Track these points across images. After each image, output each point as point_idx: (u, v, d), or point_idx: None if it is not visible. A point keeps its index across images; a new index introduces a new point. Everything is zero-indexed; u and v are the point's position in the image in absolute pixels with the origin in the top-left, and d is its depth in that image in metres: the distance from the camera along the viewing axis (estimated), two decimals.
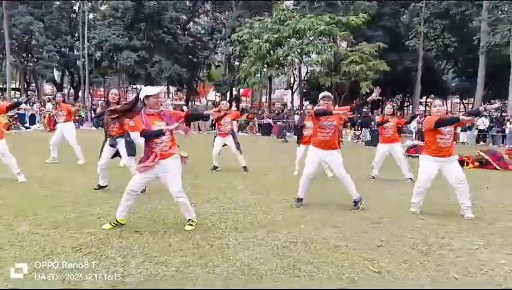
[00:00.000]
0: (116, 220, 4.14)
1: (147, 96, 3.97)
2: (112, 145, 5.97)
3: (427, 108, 44.98)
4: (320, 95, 5.40)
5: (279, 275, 3.13)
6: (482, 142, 19.78)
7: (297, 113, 22.01)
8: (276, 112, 25.86)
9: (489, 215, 5.23)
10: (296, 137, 8.90)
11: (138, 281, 2.96)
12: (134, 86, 34.77)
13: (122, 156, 6.08)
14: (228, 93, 34.80)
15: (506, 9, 25.62)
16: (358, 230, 4.36)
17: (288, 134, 20.59)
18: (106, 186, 6.04)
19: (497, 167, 9.97)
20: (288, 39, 22.90)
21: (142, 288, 2.88)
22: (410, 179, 7.50)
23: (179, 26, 33.23)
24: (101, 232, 3.95)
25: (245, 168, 8.25)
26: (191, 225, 4.18)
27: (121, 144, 5.91)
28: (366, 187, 6.89)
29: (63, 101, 9.30)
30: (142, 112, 4.00)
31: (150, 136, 3.98)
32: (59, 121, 8.92)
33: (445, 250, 3.83)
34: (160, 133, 3.96)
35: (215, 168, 8.28)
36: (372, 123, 18.76)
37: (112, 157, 6.11)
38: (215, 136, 8.47)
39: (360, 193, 5.41)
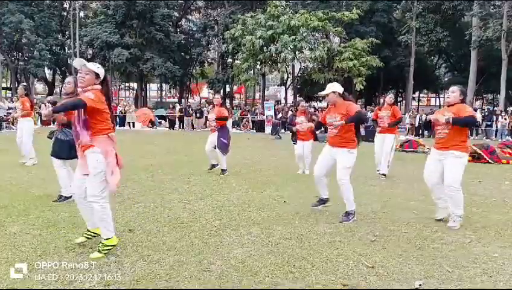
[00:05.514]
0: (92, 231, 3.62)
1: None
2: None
3: (420, 103, 45.32)
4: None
5: (274, 272, 3.13)
6: (475, 136, 19.95)
7: (291, 110, 21.95)
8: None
9: (482, 209, 5.28)
10: (291, 134, 8.79)
11: (132, 280, 2.94)
12: (127, 84, 34.52)
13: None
14: (222, 91, 34.74)
15: (497, 4, 25.77)
16: (352, 225, 4.37)
17: (282, 131, 20.58)
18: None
19: (490, 161, 10.06)
20: (281, 35, 22.84)
21: (136, 287, 2.87)
22: (384, 175, 7.58)
23: (171, 24, 33.07)
24: None
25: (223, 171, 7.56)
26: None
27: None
28: (360, 183, 6.92)
29: (26, 95, 8.17)
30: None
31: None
32: (18, 116, 8.22)
33: (438, 244, 3.85)
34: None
35: (212, 167, 7.77)
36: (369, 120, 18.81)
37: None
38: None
39: (354, 189, 5.40)
